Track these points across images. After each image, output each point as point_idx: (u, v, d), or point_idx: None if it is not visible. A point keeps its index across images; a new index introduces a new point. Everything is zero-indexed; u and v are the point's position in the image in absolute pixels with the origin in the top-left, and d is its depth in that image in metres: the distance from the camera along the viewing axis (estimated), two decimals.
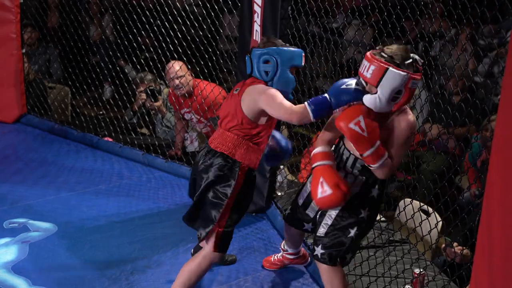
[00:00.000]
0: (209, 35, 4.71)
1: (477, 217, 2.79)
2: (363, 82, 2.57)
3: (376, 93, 2.51)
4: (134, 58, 5.19)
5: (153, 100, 5.03)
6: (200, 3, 4.73)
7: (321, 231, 2.82)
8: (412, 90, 2.52)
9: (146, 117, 5.19)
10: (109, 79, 6.28)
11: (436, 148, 4.69)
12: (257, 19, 3.75)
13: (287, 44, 2.89)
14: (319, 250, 2.81)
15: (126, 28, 5.15)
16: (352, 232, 2.77)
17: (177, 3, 4.93)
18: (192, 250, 3.45)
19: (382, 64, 2.46)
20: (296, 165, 4.76)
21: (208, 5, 4.60)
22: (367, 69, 2.50)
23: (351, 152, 2.75)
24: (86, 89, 5.72)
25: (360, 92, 2.56)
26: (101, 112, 5.71)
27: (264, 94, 2.74)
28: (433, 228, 3.17)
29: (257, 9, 3.73)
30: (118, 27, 5.40)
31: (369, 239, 3.55)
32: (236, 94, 2.86)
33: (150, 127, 5.22)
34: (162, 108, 5.10)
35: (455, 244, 3.39)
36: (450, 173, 3.29)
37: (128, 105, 5.37)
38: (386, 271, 3.24)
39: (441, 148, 4.74)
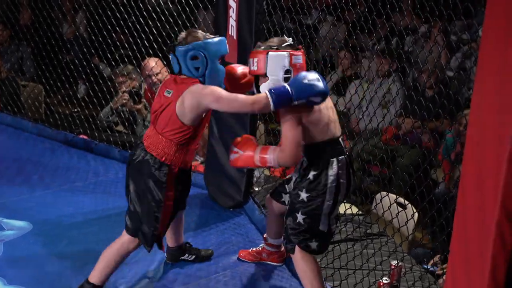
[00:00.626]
0: (185, 30, 4.69)
1: (452, 207, 2.82)
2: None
3: (267, 80, 2.71)
4: (109, 55, 5.15)
5: (133, 102, 5.03)
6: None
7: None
8: (299, 66, 2.69)
9: (122, 114, 5.16)
10: (84, 77, 6.22)
11: (410, 141, 4.74)
12: (233, 14, 3.75)
13: (208, 34, 2.80)
14: (284, 239, 2.95)
15: (100, 25, 5.12)
16: (299, 216, 2.84)
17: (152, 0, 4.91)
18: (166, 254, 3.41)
19: (261, 53, 2.68)
20: None
21: (184, 1, 4.59)
22: (252, 64, 2.73)
23: None
24: (60, 87, 5.66)
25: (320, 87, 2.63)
26: (75, 110, 5.67)
27: (208, 95, 2.69)
28: (410, 219, 3.21)
29: (232, 4, 3.73)
30: (92, 23, 5.36)
31: (347, 232, 3.58)
32: (170, 97, 2.77)
33: (126, 124, 5.20)
34: (143, 110, 5.09)
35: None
36: (424, 165, 3.33)
37: (103, 103, 5.32)
38: (364, 264, 3.27)
39: (415, 141, 4.80)
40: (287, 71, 2.68)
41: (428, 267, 3.41)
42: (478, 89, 1.99)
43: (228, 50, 2.85)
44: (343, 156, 2.83)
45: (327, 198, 2.82)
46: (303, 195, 2.83)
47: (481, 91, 1.97)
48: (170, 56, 2.79)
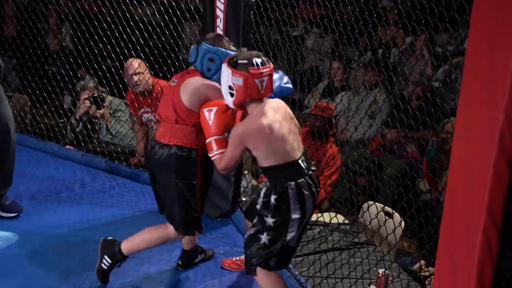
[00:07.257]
0: (172, 41, 4.71)
1: (439, 214, 2.84)
2: None
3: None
4: (95, 65, 5.14)
5: (96, 107, 5.04)
6: (162, 10, 4.72)
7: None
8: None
9: (88, 124, 5.16)
10: (70, 88, 6.20)
11: (397, 151, 4.77)
12: (220, 24, 3.77)
13: (232, 44, 3.02)
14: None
15: (87, 35, 5.12)
16: (263, 238, 2.75)
17: (139, 10, 4.91)
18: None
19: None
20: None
21: (170, 11, 4.60)
22: None
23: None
24: (47, 98, 5.64)
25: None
26: (61, 121, 5.65)
27: (209, 86, 2.91)
28: (397, 227, 3.23)
29: (220, 14, 3.75)
30: (78, 33, 5.35)
31: (334, 241, 3.58)
32: (175, 86, 2.98)
33: (92, 134, 5.21)
34: (107, 115, 5.10)
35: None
36: (412, 173, 3.35)
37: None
38: (351, 272, 3.27)
39: (402, 151, 4.82)
40: (230, 87, 2.67)
41: (414, 268, 3.41)
42: (464, 98, 2.01)
43: None
44: (302, 179, 2.73)
45: (290, 225, 2.74)
46: (269, 221, 2.74)
47: (466, 100, 1.99)
48: (192, 46, 2.98)
